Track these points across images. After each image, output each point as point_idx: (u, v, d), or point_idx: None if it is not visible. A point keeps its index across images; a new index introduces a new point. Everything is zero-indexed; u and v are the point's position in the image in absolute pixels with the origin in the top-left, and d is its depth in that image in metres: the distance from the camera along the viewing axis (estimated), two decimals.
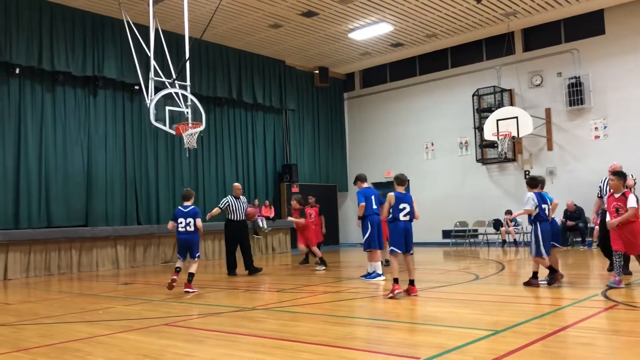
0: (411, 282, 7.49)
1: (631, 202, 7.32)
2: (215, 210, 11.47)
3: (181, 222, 8.91)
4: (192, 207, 9.06)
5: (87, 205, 14.35)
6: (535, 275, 7.95)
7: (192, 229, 8.92)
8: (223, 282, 10.32)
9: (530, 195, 7.94)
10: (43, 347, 5.19)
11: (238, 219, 11.47)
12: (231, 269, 11.47)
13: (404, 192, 7.71)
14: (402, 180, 7.75)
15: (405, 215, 7.51)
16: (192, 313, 7.15)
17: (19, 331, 6.11)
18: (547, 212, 7.93)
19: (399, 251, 7.47)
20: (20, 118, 13.38)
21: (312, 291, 8.71)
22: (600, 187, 9.00)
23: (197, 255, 8.99)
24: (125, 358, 4.72)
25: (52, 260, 13.12)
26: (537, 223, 7.87)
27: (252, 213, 11.89)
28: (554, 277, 7.84)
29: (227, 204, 11.46)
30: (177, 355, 4.72)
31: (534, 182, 8.14)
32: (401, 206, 7.50)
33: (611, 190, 7.68)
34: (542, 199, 7.95)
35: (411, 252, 7.62)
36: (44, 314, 7.29)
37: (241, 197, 11.68)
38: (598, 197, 9.00)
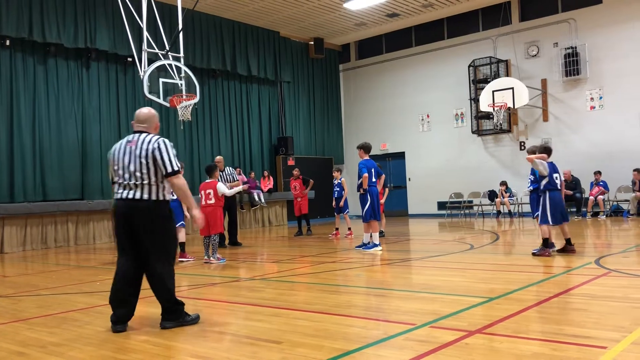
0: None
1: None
2: None
3: None
4: None
5: (82, 178, 14.32)
6: (545, 243, 7.82)
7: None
8: (220, 255, 10.35)
9: (545, 162, 7.86)
10: (41, 317, 5.23)
11: None
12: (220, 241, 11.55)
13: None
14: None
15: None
16: (189, 284, 7.20)
17: (17, 302, 6.14)
18: (558, 182, 7.86)
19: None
20: (13, 90, 13.25)
21: (309, 262, 8.77)
22: None
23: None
24: None
25: (49, 233, 13.14)
26: (547, 192, 7.80)
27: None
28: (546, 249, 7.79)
29: None
30: None
31: (548, 151, 8.02)
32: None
33: None
34: (554, 168, 7.92)
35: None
36: (42, 285, 7.33)
37: (226, 169, 11.56)
38: None
